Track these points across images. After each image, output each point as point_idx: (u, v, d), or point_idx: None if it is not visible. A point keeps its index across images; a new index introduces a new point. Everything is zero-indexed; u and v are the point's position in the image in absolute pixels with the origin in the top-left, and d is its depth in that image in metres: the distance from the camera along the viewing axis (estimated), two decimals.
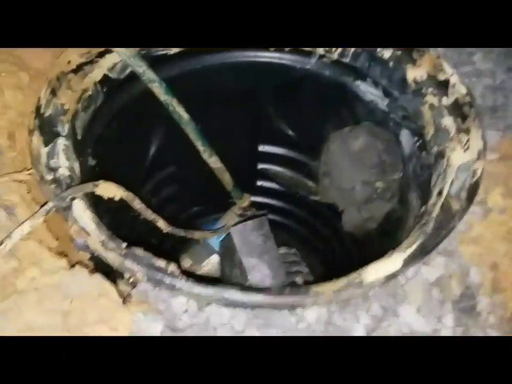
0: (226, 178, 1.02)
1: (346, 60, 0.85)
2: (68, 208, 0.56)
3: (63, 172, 0.60)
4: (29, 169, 0.58)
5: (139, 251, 0.50)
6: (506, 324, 0.53)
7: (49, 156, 0.61)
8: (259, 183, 1.21)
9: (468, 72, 0.76)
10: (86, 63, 0.73)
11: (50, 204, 0.53)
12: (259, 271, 0.66)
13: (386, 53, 0.80)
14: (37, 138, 0.62)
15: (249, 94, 0.99)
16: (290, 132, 1.06)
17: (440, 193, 0.62)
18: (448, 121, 0.70)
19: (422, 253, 0.55)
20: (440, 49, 0.77)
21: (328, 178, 0.88)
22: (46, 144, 0.62)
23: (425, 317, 0.53)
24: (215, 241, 1.17)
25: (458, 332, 0.52)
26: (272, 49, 0.89)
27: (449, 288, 0.55)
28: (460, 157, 0.65)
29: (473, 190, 0.58)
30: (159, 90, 0.80)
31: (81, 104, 0.70)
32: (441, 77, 0.74)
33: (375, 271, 0.53)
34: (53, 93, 0.67)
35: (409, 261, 0.54)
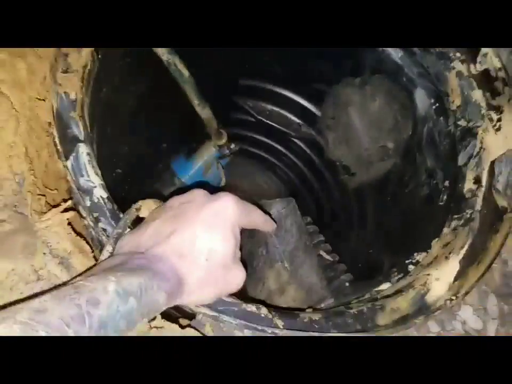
0: (212, 125, 0.95)
1: None
2: None
3: (99, 192, 0.50)
4: (66, 200, 0.47)
5: (229, 299, 0.46)
6: None
7: (76, 172, 0.50)
8: (234, 115, 1.13)
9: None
10: None
11: (109, 248, 0.45)
12: (304, 269, 0.66)
13: None
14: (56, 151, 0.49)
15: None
16: (277, 68, 0.98)
17: (478, 181, 0.64)
18: (478, 95, 0.69)
19: (473, 253, 0.58)
20: None
21: (334, 135, 0.85)
22: (66, 157, 0.50)
23: (478, 313, 0.58)
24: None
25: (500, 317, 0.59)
26: None
27: (492, 280, 0.61)
28: (495, 141, 0.66)
29: None
30: (162, 50, 0.67)
31: (85, 87, 0.56)
32: None
33: (440, 280, 0.55)
34: (54, 80, 0.52)
35: (465, 264, 0.57)
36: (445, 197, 0.70)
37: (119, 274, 0.35)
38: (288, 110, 1.06)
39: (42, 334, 0.29)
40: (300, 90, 1.01)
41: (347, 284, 0.75)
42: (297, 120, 1.07)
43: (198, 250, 0.41)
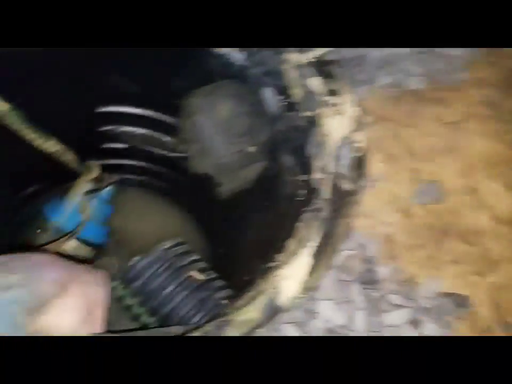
0: (69, 158, 0.87)
1: None
2: None
3: None
4: None
5: None
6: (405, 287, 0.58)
7: None
8: (104, 145, 1.07)
9: None
10: None
11: None
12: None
13: None
14: None
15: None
16: (133, 89, 0.93)
17: (324, 170, 0.62)
18: (314, 83, 0.68)
19: (323, 244, 0.55)
20: None
21: (196, 147, 0.80)
22: None
23: (341, 307, 0.54)
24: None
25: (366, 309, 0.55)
26: None
27: (353, 268, 0.58)
28: (335, 126, 0.64)
29: (361, 167, 0.59)
30: None
31: None
32: None
33: (290, 279, 0.51)
34: None
35: (318, 256, 0.54)
36: (303, 192, 0.68)
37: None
38: (156, 129, 1.01)
39: None
40: (161, 108, 0.96)
41: (224, 301, 0.69)
42: (168, 138, 1.02)
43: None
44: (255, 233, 0.86)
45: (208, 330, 0.48)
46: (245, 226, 0.90)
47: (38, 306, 0.39)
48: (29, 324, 0.38)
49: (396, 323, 0.55)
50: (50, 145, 0.77)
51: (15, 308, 0.36)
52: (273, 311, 0.50)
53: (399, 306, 0.56)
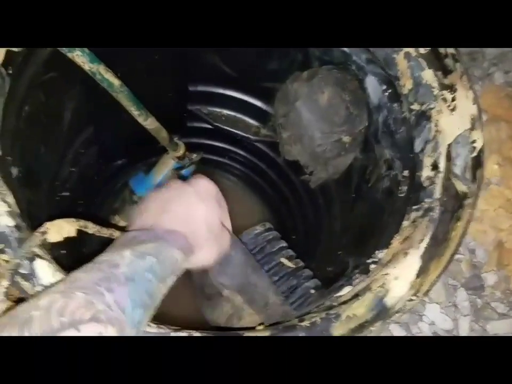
0: (162, 135, 0.89)
1: None
2: (30, 275, 0.43)
3: (4, 221, 0.45)
4: None
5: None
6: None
7: None
8: (190, 124, 1.08)
9: None
10: None
11: (4, 283, 0.40)
12: (257, 291, 0.62)
13: None
14: None
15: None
16: (226, 69, 0.93)
17: (436, 167, 0.59)
18: (429, 76, 0.65)
19: (434, 246, 0.53)
20: None
21: (288, 133, 0.79)
22: None
23: (446, 311, 0.53)
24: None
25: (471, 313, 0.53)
26: None
27: (460, 273, 0.55)
28: (451, 123, 0.61)
29: (477, 169, 0.56)
30: (82, 59, 0.61)
31: None
32: None
33: (400, 279, 0.50)
34: None
35: (426, 259, 0.52)
36: (404, 188, 0.65)
37: (133, 245, 0.40)
38: (244, 113, 1.01)
39: (80, 294, 0.32)
40: (252, 91, 0.96)
41: (312, 291, 0.69)
42: (255, 123, 1.02)
43: (197, 218, 0.48)
44: (340, 224, 0.85)
45: (316, 322, 0.48)
46: (328, 216, 0.90)
47: (168, 274, 0.41)
48: (160, 292, 0.40)
49: (499, 332, 0.53)
50: (150, 123, 0.79)
51: (150, 275, 0.38)
52: (381, 311, 0.49)
53: (503, 315, 0.54)
